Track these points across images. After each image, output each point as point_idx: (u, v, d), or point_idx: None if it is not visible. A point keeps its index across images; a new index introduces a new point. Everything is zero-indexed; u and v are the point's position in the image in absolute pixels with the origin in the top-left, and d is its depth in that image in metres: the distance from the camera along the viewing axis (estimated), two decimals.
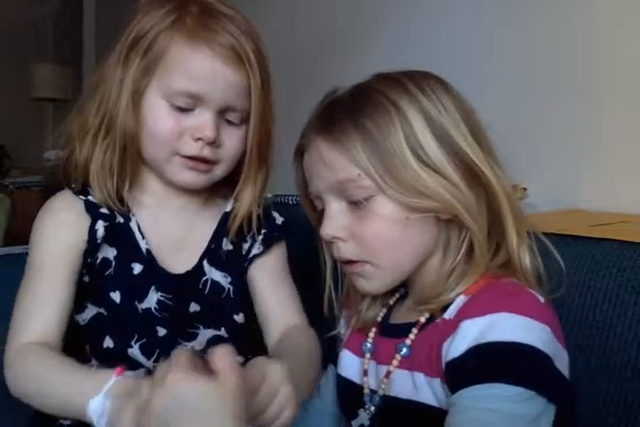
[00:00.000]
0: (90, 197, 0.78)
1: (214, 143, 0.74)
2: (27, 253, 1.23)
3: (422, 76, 0.67)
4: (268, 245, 0.84)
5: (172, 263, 0.79)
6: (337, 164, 0.64)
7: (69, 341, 0.80)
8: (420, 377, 0.63)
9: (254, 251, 0.83)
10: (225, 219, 0.82)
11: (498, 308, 0.58)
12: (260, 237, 0.84)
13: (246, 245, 0.83)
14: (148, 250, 0.78)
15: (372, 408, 0.69)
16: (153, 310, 0.77)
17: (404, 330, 0.67)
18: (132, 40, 0.75)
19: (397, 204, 0.63)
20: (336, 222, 0.66)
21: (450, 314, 0.63)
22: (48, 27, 4.32)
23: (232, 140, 0.76)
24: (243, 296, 0.83)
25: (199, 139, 0.73)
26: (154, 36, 0.73)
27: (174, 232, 0.81)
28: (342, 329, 0.81)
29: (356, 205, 0.65)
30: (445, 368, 0.59)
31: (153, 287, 0.78)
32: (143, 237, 0.78)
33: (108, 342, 0.77)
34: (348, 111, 0.65)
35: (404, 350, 0.66)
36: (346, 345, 0.78)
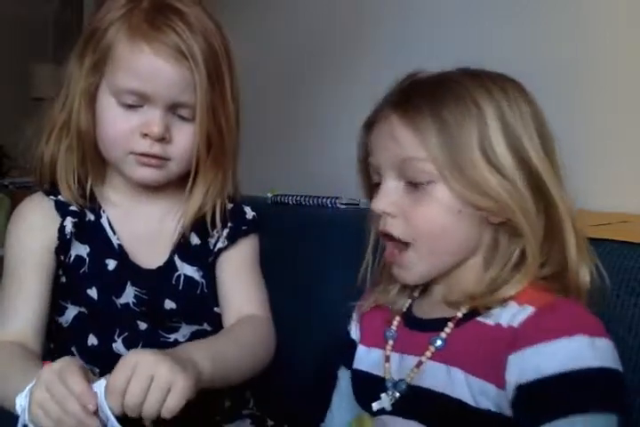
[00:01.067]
0: (60, 197, 0.79)
1: (164, 139, 0.74)
2: None
3: (506, 80, 0.67)
4: (233, 239, 0.84)
5: (144, 259, 0.80)
6: (407, 142, 0.65)
7: (55, 344, 0.83)
8: (457, 373, 0.63)
9: (219, 245, 0.83)
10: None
11: (575, 330, 0.58)
12: (226, 231, 0.84)
13: (212, 240, 0.83)
14: (120, 245, 0.79)
15: (397, 394, 0.69)
16: (131, 304, 0.78)
17: (436, 324, 0.68)
18: (87, 34, 0.76)
19: (456, 195, 0.64)
20: (389, 199, 0.67)
21: (508, 321, 0.62)
22: (48, 27, 4.32)
23: (183, 136, 0.75)
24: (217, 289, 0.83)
25: (146, 135, 0.73)
26: (104, 29, 0.73)
27: (144, 228, 0.82)
28: (353, 327, 0.81)
29: (414, 186, 0.66)
30: (518, 389, 0.58)
31: (129, 282, 0.79)
32: (114, 233, 0.79)
33: (93, 340, 0.78)
34: (428, 98, 0.65)
35: (439, 342, 0.66)
36: (361, 341, 0.79)
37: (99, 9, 0.76)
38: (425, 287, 0.75)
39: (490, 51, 1.10)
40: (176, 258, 0.81)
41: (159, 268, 0.80)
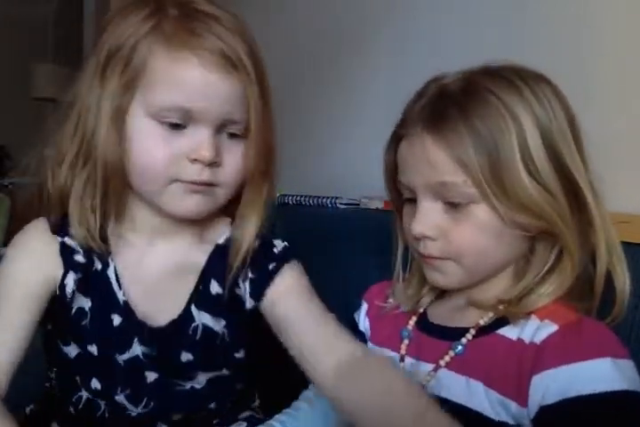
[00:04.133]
0: (67, 239, 0.69)
1: (215, 163, 0.65)
2: None
3: (535, 80, 0.64)
4: (259, 292, 0.73)
5: (153, 315, 0.71)
6: (443, 165, 0.62)
7: (59, 373, 0.75)
8: (477, 386, 0.63)
9: (248, 306, 0.74)
10: (216, 253, 0.73)
11: (601, 352, 0.58)
12: (248, 285, 0.73)
13: (240, 291, 0.74)
14: (125, 302, 0.70)
15: None
16: (141, 356, 0.70)
17: (455, 333, 0.67)
18: (107, 53, 0.66)
19: (498, 214, 0.62)
20: (428, 221, 0.64)
21: (530, 337, 0.61)
22: (48, 27, 4.32)
23: (234, 157, 0.67)
24: (242, 335, 0.75)
25: (195, 160, 0.64)
26: (131, 46, 0.64)
27: (159, 274, 0.72)
28: (362, 316, 0.81)
29: (452, 206, 0.63)
30: (541, 410, 0.58)
31: (136, 339, 0.70)
32: (120, 288, 0.70)
33: (96, 384, 0.71)
34: (459, 111, 0.61)
35: (460, 347, 0.66)
36: (370, 339, 0.78)
37: (109, 23, 0.67)
38: (442, 291, 0.74)
39: (492, 51, 1.10)
40: (193, 308, 0.71)
41: (173, 321, 0.71)
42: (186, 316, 0.71)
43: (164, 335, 0.70)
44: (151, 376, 0.71)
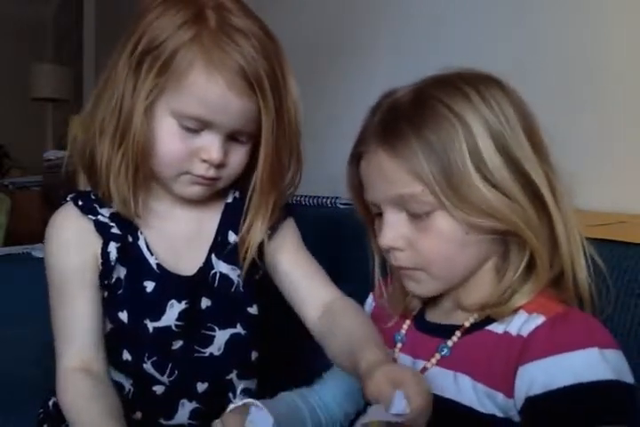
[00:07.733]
0: (99, 217, 0.77)
1: (221, 164, 0.74)
2: (27, 254, 1.24)
3: (484, 83, 0.65)
4: (273, 228, 0.81)
5: (183, 267, 0.79)
6: (399, 178, 0.63)
7: None
8: (464, 379, 0.64)
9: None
10: (227, 210, 0.83)
11: (587, 343, 0.58)
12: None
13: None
14: (158, 264, 0.78)
15: None
16: (173, 327, 0.77)
17: (446, 331, 0.68)
18: (145, 45, 0.71)
19: (458, 221, 0.63)
20: (395, 233, 0.66)
21: (516, 330, 0.62)
22: (48, 27, 4.33)
23: (237, 158, 0.76)
24: (254, 288, 0.82)
25: (205, 160, 0.73)
26: (172, 50, 0.70)
27: (183, 231, 0.81)
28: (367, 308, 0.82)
29: (416, 216, 0.65)
30: (528, 401, 0.58)
31: (170, 303, 0.77)
32: (152, 254, 0.78)
33: (127, 356, 0.78)
34: (410, 123, 0.63)
35: (445, 350, 0.67)
36: None
37: (145, 12, 0.73)
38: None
39: (490, 50, 1.10)
40: (212, 256, 0.80)
41: (200, 269, 0.80)
42: (208, 264, 0.80)
43: (193, 284, 0.79)
44: (176, 344, 0.78)
